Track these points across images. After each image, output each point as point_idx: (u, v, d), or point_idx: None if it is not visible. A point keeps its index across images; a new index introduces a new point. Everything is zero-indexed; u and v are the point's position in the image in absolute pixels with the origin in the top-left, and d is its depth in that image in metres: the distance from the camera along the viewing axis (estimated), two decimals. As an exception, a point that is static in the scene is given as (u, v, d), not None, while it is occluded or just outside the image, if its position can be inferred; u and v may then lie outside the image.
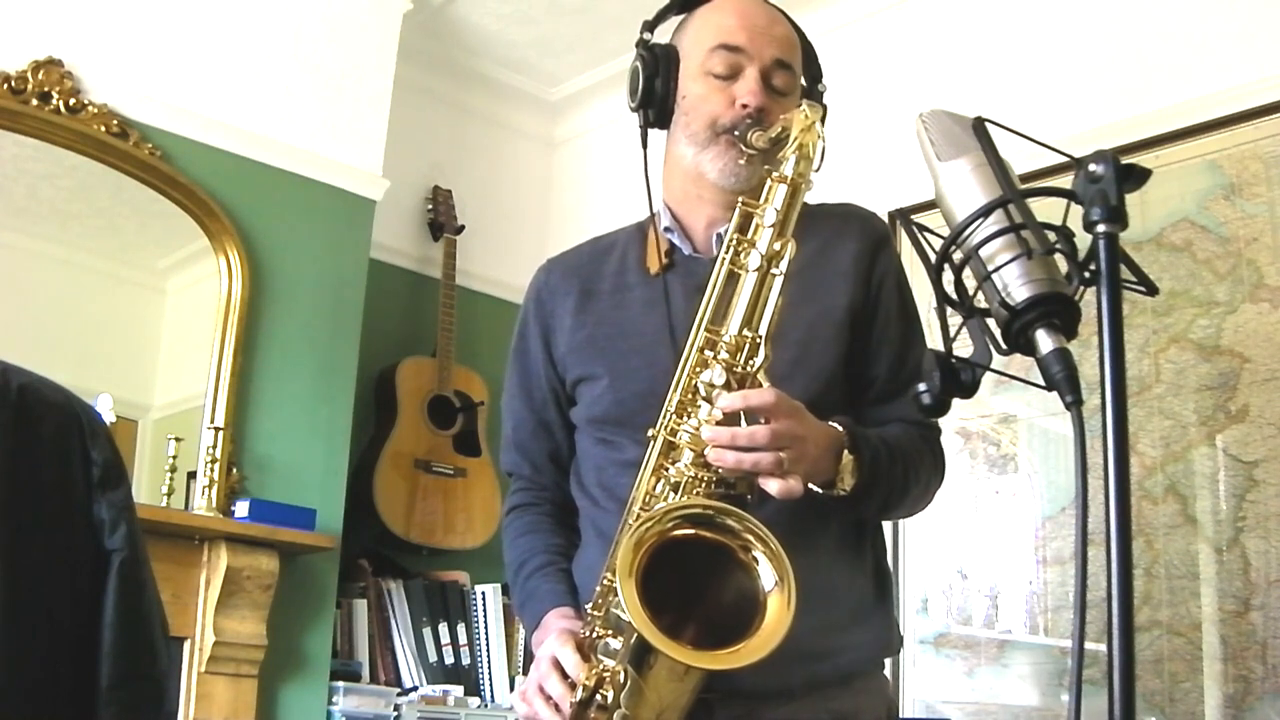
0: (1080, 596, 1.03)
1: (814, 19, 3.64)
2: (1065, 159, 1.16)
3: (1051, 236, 1.12)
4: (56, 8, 3.11)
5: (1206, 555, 2.62)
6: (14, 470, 1.34)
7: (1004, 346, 1.14)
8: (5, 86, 2.97)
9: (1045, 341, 1.10)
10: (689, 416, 1.37)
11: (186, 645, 3.01)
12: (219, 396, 3.17)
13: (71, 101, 3.06)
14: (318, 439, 3.36)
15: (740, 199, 1.44)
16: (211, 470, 3.10)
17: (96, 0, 3.17)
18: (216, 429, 3.14)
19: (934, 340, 1.16)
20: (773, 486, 1.31)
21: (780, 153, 1.43)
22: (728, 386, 1.35)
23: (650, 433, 1.39)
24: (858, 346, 1.55)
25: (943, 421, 1.57)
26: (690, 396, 1.38)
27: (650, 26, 1.63)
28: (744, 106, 1.51)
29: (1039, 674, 2.87)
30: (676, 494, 1.35)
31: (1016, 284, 1.12)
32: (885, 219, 3.51)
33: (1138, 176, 1.09)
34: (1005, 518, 3.00)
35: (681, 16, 1.65)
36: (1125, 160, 1.09)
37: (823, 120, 1.46)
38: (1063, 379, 1.08)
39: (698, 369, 1.38)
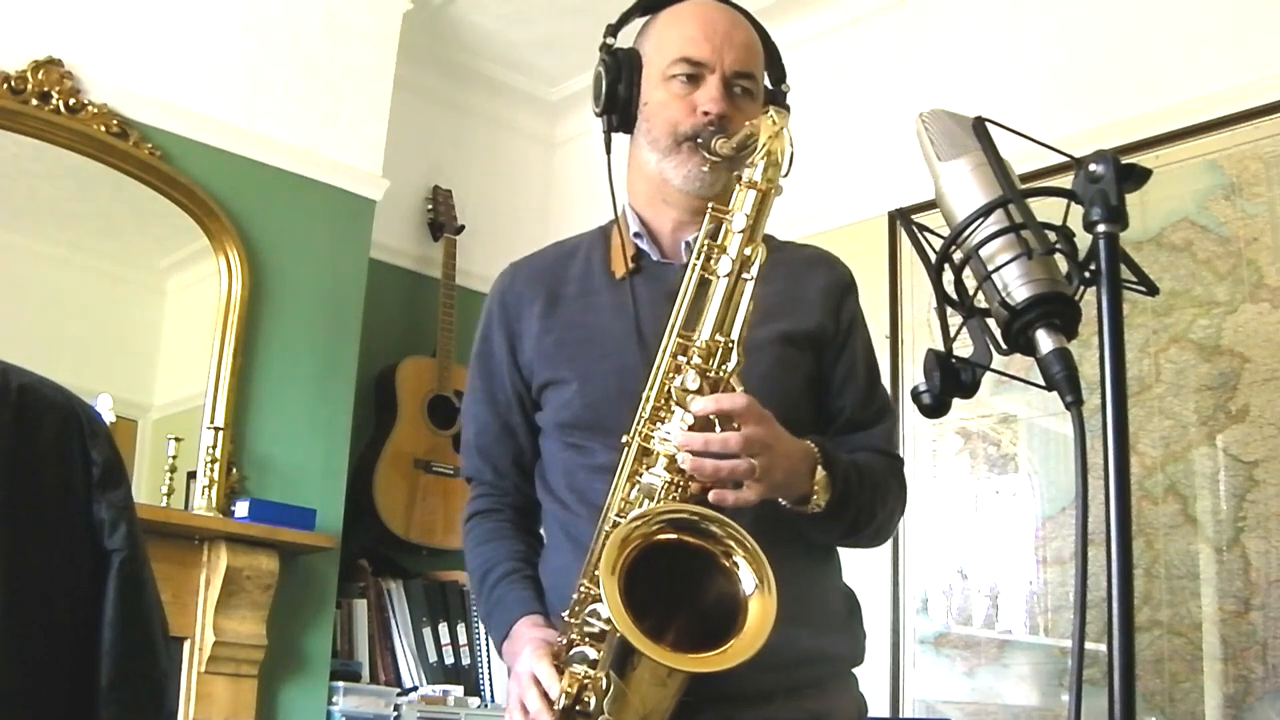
0: (1080, 596, 1.03)
1: (815, 20, 3.65)
2: (1065, 159, 1.17)
3: (1051, 236, 1.12)
4: (56, 8, 3.11)
5: (1206, 555, 2.62)
6: (14, 470, 1.34)
7: (1004, 346, 1.14)
8: (5, 86, 2.97)
9: (1045, 341, 1.10)
10: (663, 422, 1.38)
11: (186, 645, 3.01)
12: (219, 396, 3.17)
13: (71, 101, 3.06)
14: (318, 439, 3.35)
15: (710, 205, 1.44)
16: (211, 470, 3.10)
17: (96, 0, 3.17)
18: (216, 429, 3.13)
19: (934, 340, 1.16)
20: (729, 498, 1.32)
21: (748, 158, 1.43)
22: (701, 391, 1.35)
23: (625, 439, 1.39)
24: (823, 375, 1.57)
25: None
26: (664, 402, 1.38)
27: (614, 30, 1.63)
28: (705, 114, 1.52)
29: (1039, 674, 2.87)
30: (651, 500, 1.35)
31: (1016, 284, 1.12)
32: (885, 219, 3.52)
33: (1138, 176, 1.09)
34: (1005, 518, 3.00)
35: (645, 19, 1.65)
36: (1125, 160, 1.10)
37: (786, 125, 1.45)
38: (1063, 379, 1.08)
39: (671, 374, 1.38)
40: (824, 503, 1.41)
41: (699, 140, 1.51)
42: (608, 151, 1.61)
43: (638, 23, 1.67)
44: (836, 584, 1.58)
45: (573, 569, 1.43)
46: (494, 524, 1.63)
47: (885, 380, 3.15)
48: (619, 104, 1.59)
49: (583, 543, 1.44)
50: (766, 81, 1.64)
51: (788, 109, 1.60)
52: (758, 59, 1.60)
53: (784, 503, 1.40)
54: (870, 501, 1.49)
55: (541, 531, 1.64)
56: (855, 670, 1.58)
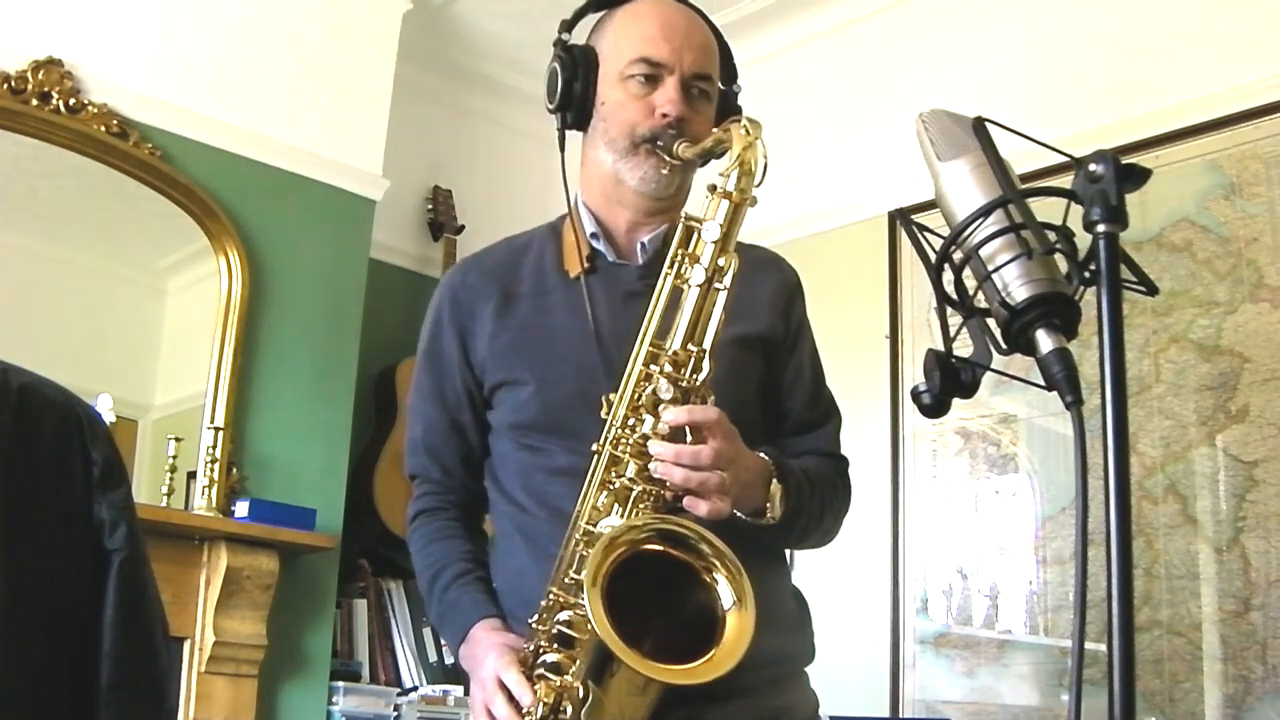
0: (1080, 596, 1.03)
1: (814, 19, 3.65)
2: (1065, 159, 1.17)
3: (1051, 236, 1.12)
4: (56, 8, 3.11)
5: (1206, 555, 2.62)
6: (14, 470, 1.34)
7: (1004, 346, 1.14)
8: (5, 86, 2.97)
9: (1045, 341, 1.10)
10: (633, 430, 1.38)
11: (186, 645, 3.01)
12: (219, 396, 3.17)
13: (71, 101, 3.06)
14: (318, 439, 3.36)
15: (684, 215, 1.44)
16: (211, 470, 3.10)
17: (96, 0, 3.17)
18: (216, 429, 3.14)
19: (934, 340, 1.16)
20: (702, 508, 1.33)
21: (706, 162, 1.43)
22: (674, 400, 1.36)
23: (595, 447, 1.39)
24: (772, 377, 1.58)
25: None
26: (635, 410, 1.38)
27: (568, 25, 1.62)
28: (664, 116, 1.50)
29: (1039, 674, 2.87)
30: (623, 507, 1.36)
31: (1016, 284, 1.12)
32: (885, 219, 3.52)
33: (1138, 176, 1.09)
34: (1005, 518, 3.00)
35: (599, 15, 1.64)
36: (1125, 160, 1.10)
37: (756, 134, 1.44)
38: (1063, 379, 1.08)
39: (643, 383, 1.38)
40: (779, 515, 1.43)
41: (659, 143, 1.50)
42: (561, 149, 1.60)
43: (592, 18, 1.66)
44: (788, 586, 1.60)
45: (531, 571, 1.44)
46: (442, 523, 1.62)
47: (885, 380, 3.18)
48: (574, 101, 1.58)
49: (541, 545, 1.45)
50: (719, 84, 1.62)
51: (740, 109, 1.59)
52: (714, 59, 1.59)
53: (739, 514, 1.41)
54: (820, 509, 1.51)
55: (486, 529, 1.64)
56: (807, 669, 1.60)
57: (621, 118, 1.53)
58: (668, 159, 1.49)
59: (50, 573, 1.36)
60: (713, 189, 1.41)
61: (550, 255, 1.61)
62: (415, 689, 3.43)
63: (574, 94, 1.58)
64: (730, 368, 1.49)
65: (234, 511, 3.10)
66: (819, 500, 1.51)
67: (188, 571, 3.03)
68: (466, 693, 3.47)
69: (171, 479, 3.08)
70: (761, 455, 1.44)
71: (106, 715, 1.36)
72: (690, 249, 1.41)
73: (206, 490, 3.08)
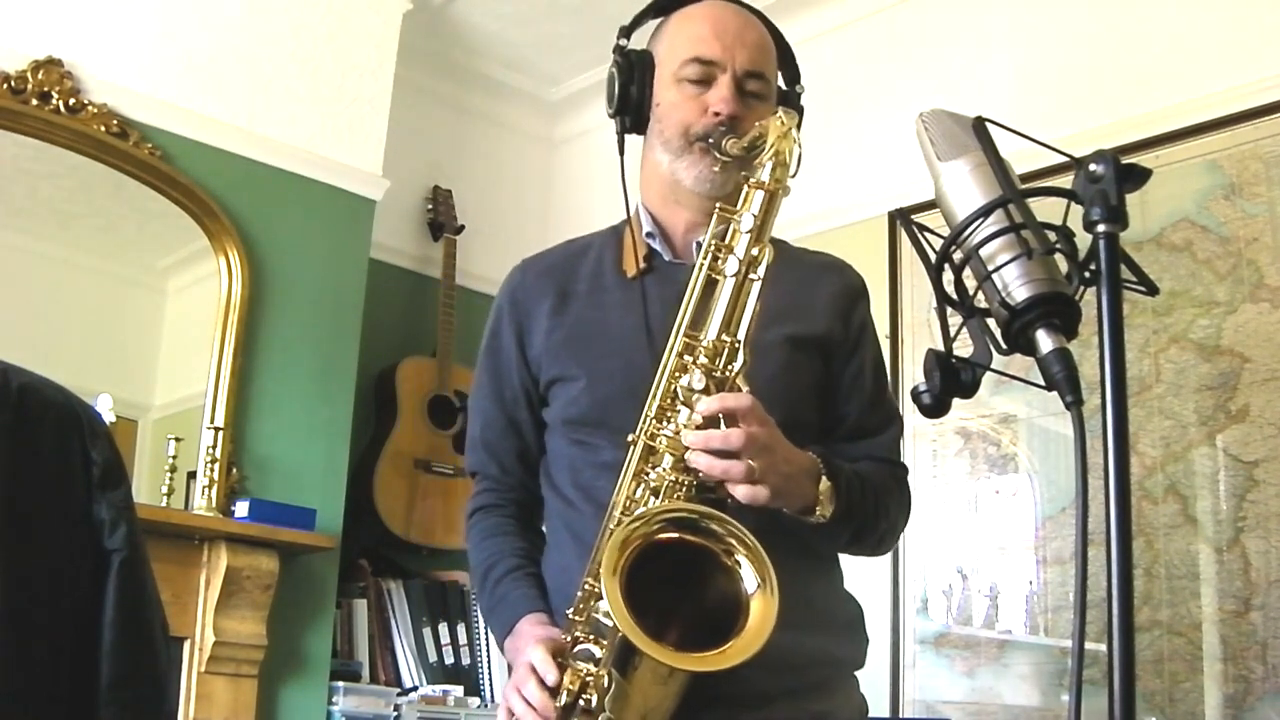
0: (1080, 596, 1.03)
1: (815, 19, 3.65)
2: (1065, 159, 1.17)
3: (1051, 236, 1.12)
4: (56, 8, 3.11)
5: (1206, 555, 2.62)
6: (14, 470, 1.34)
7: (1004, 346, 1.14)
8: (5, 86, 2.97)
9: (1045, 341, 1.10)
10: (668, 421, 1.38)
11: (186, 645, 3.01)
12: (219, 396, 3.17)
13: (71, 101, 3.06)
14: (318, 439, 3.36)
15: (717, 205, 1.44)
16: (211, 470, 3.10)
17: (96, 0, 3.18)
18: (216, 429, 3.14)
19: (934, 340, 1.16)
20: (739, 491, 1.32)
21: (757, 159, 1.44)
22: (707, 390, 1.36)
23: (630, 438, 1.40)
24: (830, 380, 1.57)
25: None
26: (670, 401, 1.39)
27: (627, 32, 1.64)
28: (716, 115, 1.52)
29: (1039, 674, 2.87)
30: (657, 498, 1.36)
31: (1016, 284, 1.12)
32: (885, 219, 3.52)
33: (1138, 176, 1.09)
34: (1005, 518, 3.00)
35: (658, 21, 1.66)
36: (1125, 160, 1.10)
37: (799, 126, 1.46)
38: (1063, 379, 1.08)
39: (677, 373, 1.39)
40: (829, 513, 1.41)
41: (710, 141, 1.51)
42: (620, 153, 1.61)
43: (650, 25, 1.67)
44: (839, 589, 1.59)
45: (576, 568, 1.44)
46: (497, 519, 1.64)
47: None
48: (631, 105, 1.60)
49: (587, 540, 1.44)
50: (780, 82, 1.64)
51: (801, 110, 1.60)
52: (770, 58, 1.60)
53: (788, 512, 1.40)
54: (874, 512, 1.50)
55: (544, 529, 1.65)
56: (856, 672, 1.58)
57: (676, 118, 1.55)
58: (719, 156, 1.50)
59: (50, 573, 1.36)
60: (747, 180, 1.42)
61: (610, 256, 1.62)
62: (415, 689, 3.43)
63: (630, 98, 1.60)
64: (783, 367, 1.50)
65: (234, 511, 3.10)
66: (873, 501, 1.49)
67: (188, 571, 3.03)
68: (467, 693, 3.48)
69: (171, 479, 3.08)
70: (808, 453, 1.42)
71: (106, 715, 1.36)
72: (726, 240, 1.42)
73: (206, 490, 3.08)
